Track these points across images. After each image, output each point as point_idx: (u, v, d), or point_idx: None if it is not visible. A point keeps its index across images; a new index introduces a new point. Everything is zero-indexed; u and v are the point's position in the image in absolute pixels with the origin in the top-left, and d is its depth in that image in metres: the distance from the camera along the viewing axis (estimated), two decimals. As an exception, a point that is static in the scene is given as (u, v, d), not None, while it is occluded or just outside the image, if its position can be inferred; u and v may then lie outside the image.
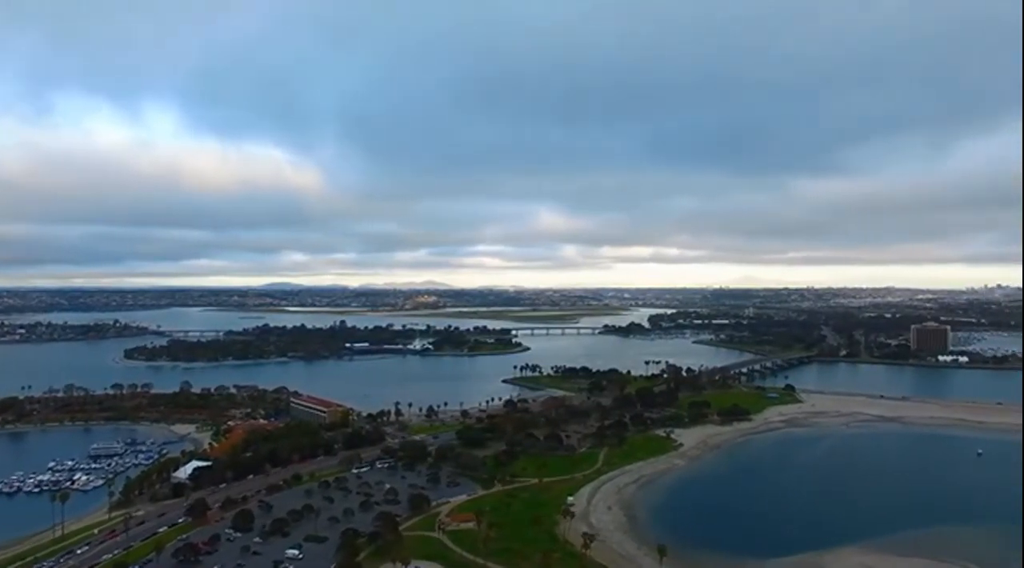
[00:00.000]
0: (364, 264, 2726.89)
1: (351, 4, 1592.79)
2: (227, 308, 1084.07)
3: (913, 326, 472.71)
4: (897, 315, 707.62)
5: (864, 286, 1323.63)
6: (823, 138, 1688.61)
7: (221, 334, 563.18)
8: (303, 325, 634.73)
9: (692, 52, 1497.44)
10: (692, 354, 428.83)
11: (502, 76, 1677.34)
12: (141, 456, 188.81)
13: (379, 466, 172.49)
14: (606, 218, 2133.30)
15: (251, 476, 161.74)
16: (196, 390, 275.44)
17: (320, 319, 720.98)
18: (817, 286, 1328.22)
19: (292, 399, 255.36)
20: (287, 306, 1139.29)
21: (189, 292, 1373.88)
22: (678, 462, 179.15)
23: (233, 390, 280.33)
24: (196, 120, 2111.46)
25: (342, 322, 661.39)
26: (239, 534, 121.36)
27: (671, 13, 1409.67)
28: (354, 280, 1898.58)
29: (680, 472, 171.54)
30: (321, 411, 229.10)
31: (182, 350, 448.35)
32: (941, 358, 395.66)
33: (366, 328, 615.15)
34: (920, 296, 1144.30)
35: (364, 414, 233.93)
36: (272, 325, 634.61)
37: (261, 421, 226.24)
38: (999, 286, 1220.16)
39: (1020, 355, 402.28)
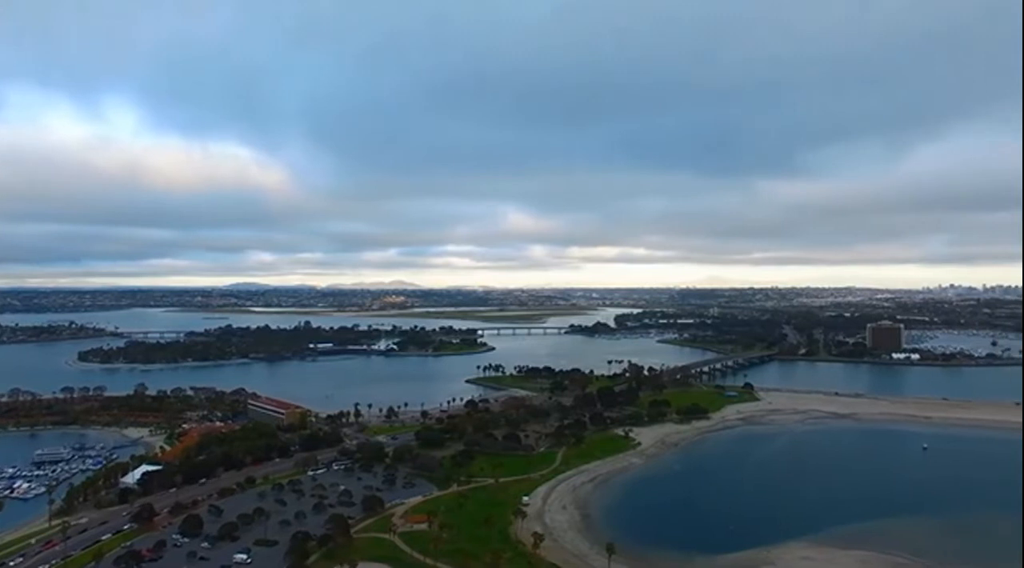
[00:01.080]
0: (332, 264, 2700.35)
1: (319, 3, 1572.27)
2: (190, 309, 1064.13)
3: (869, 325, 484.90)
4: (856, 314, 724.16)
5: (826, 286, 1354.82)
6: (787, 141, 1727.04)
7: (182, 335, 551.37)
8: (267, 326, 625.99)
9: (658, 54, 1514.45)
10: (656, 353, 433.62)
11: (470, 76, 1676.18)
12: (89, 461, 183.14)
13: (335, 468, 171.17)
14: (574, 218, 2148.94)
15: (203, 480, 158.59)
16: (152, 393, 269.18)
17: (285, 320, 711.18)
18: (781, 286, 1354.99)
19: (250, 401, 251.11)
20: (252, 306, 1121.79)
21: (151, 292, 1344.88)
22: (635, 461, 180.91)
23: (190, 392, 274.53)
24: (159, 117, 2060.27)
25: (307, 322, 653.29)
26: (186, 540, 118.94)
27: (638, 16, 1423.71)
28: (321, 280, 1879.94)
29: (637, 471, 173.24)
30: (279, 413, 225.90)
31: (140, 352, 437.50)
32: (895, 356, 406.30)
33: (331, 328, 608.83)
34: (879, 296, 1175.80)
35: (323, 415, 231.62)
36: (236, 326, 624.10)
37: (217, 423, 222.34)
38: (952, 286, 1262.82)
39: (967, 352, 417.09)
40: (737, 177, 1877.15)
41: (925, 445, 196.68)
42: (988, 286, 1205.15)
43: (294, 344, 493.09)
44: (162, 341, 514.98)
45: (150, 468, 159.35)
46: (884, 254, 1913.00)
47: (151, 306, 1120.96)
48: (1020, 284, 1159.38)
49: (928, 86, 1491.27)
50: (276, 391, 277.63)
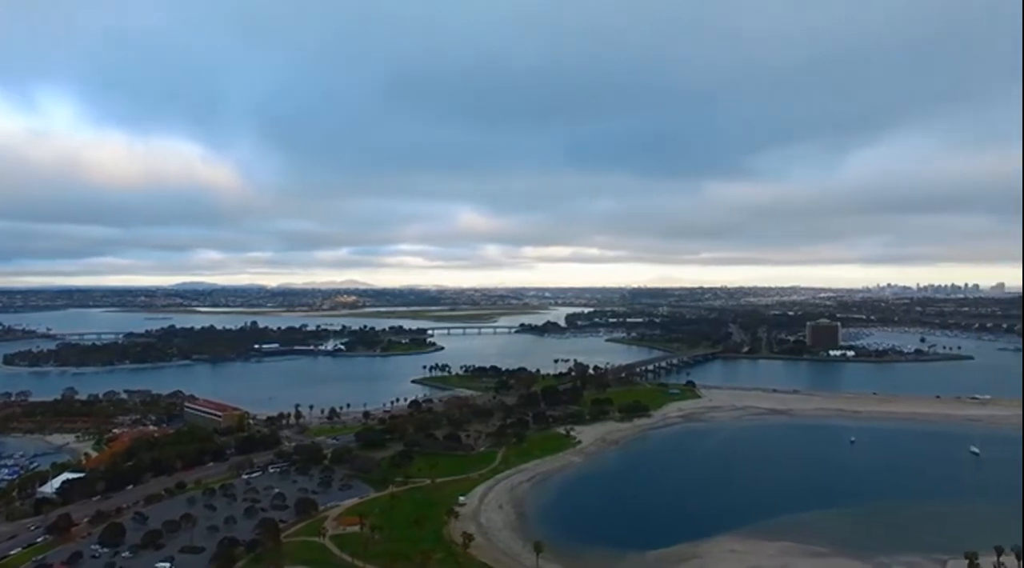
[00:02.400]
0: (282, 263, 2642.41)
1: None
2: (132, 309, 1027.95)
3: (808, 323, 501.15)
4: (799, 312, 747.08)
5: (773, 285, 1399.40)
6: (732, 144, 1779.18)
7: (120, 336, 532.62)
8: (212, 326, 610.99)
9: (609, 58, 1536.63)
10: (604, 352, 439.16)
11: (422, 76, 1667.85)
12: (4, 471, 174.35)
13: (271, 471, 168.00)
14: (527, 218, 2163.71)
15: (130, 487, 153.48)
16: (82, 397, 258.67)
17: (232, 320, 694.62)
18: (730, 285, 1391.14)
19: (187, 404, 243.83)
20: (198, 306, 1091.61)
21: (90, 292, 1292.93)
22: (575, 459, 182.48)
23: (124, 395, 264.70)
24: (98, 110, 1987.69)
25: (253, 323, 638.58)
26: (106, 550, 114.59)
27: (588, 20, 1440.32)
28: (272, 279, 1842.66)
29: (575, 469, 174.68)
30: (216, 415, 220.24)
31: (73, 354, 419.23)
32: (832, 353, 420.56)
33: (279, 329, 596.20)
34: (822, 295, 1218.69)
35: (263, 417, 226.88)
36: (179, 326, 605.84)
37: (151, 428, 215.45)
38: (889, 285, 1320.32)
39: (898, 349, 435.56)
40: (685, 179, 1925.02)
41: (852, 438, 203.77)
42: (921, 285, 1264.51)
43: (239, 345, 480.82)
44: (98, 343, 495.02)
45: (72, 476, 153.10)
46: (826, 255, 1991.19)
47: (90, 306, 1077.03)
48: (948, 284, 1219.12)
49: (865, 94, 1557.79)
50: (217, 393, 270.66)
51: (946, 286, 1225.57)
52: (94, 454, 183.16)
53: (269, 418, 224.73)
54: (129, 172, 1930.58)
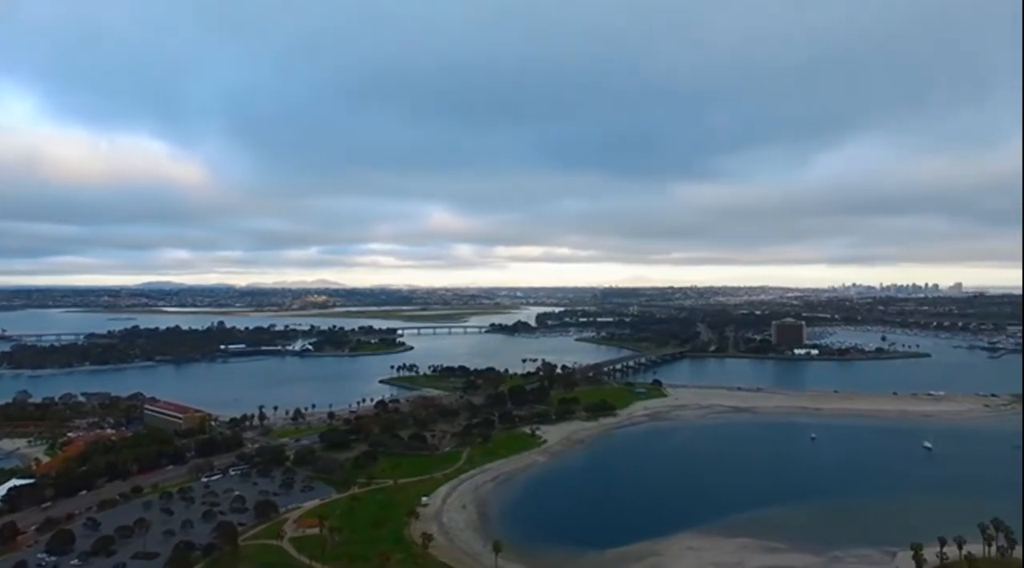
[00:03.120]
0: (252, 262, 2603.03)
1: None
2: (94, 309, 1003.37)
3: (774, 322, 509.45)
4: (767, 312, 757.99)
5: (742, 285, 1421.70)
6: (701, 146, 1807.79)
7: (80, 337, 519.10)
8: (177, 326, 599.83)
9: (580, 59, 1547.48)
10: (573, 351, 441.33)
11: (393, 75, 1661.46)
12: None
13: (232, 473, 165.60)
14: (499, 218, 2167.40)
15: (83, 492, 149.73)
16: (36, 400, 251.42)
17: (199, 320, 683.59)
18: (700, 285, 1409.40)
19: (146, 406, 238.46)
20: (164, 306, 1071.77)
21: (50, 292, 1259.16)
22: (540, 458, 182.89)
23: (81, 398, 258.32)
24: (60, 106, 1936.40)
25: (220, 323, 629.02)
26: (54, 558, 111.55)
27: (560, 20, 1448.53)
28: (242, 279, 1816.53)
29: (540, 468, 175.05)
30: (177, 417, 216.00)
31: (28, 356, 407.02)
32: (797, 351, 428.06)
33: (246, 329, 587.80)
34: (789, 294, 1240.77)
35: (226, 419, 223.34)
36: (143, 327, 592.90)
37: (108, 431, 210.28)
38: (854, 285, 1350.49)
39: (860, 347, 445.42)
40: (655, 179, 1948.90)
41: (813, 435, 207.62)
42: (884, 285, 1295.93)
43: (205, 345, 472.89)
44: (56, 344, 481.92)
45: (20, 482, 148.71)
46: (794, 255, 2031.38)
47: (49, 307, 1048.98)
48: (910, 284, 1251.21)
49: (827, 99, 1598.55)
50: (180, 395, 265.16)
51: (907, 286, 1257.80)
52: (46, 459, 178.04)
53: (232, 420, 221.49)
54: (93, 169, 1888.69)
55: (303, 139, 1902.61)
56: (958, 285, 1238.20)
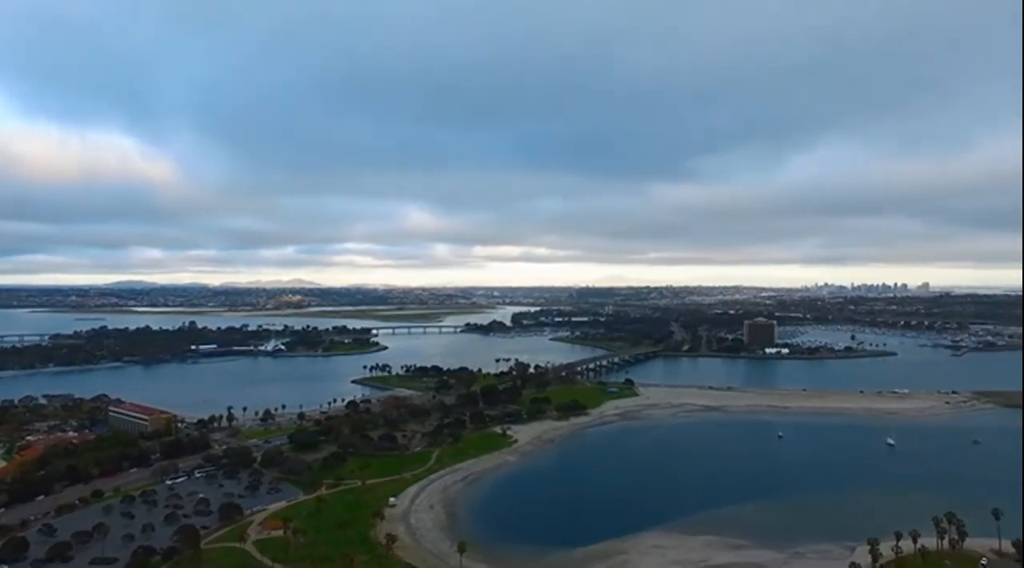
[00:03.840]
0: (227, 261, 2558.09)
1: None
2: (61, 309, 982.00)
3: (746, 321, 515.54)
4: (740, 311, 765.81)
5: (716, 284, 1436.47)
6: (676, 146, 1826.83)
7: (45, 338, 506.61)
8: (148, 326, 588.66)
9: (558, 60, 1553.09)
10: (548, 351, 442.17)
11: (368, 73, 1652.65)
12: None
13: (197, 475, 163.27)
14: (476, 218, 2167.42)
15: (40, 497, 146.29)
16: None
17: (170, 320, 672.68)
18: (675, 285, 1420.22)
19: (111, 408, 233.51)
20: (135, 306, 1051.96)
21: (16, 292, 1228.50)
22: (510, 458, 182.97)
23: (43, 400, 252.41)
24: (29, 102, 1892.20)
25: (192, 323, 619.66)
26: (5, 566, 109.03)
27: (536, 21, 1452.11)
28: (215, 278, 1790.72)
29: (509, 468, 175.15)
30: (142, 419, 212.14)
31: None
32: (768, 350, 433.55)
33: (218, 329, 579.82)
34: (763, 294, 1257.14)
35: (194, 420, 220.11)
36: (111, 327, 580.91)
37: (70, 434, 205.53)
38: (826, 284, 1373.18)
39: (829, 346, 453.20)
40: (631, 180, 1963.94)
41: (781, 434, 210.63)
42: (855, 285, 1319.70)
43: (175, 346, 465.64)
44: (19, 345, 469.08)
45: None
46: (767, 255, 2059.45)
47: (14, 306, 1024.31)
48: (880, 283, 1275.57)
49: (799, 102, 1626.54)
50: (148, 396, 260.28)
51: (878, 286, 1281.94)
52: (2, 464, 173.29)
53: (200, 421, 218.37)
54: (61, 166, 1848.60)
55: (278, 137, 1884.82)
56: (926, 285, 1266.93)
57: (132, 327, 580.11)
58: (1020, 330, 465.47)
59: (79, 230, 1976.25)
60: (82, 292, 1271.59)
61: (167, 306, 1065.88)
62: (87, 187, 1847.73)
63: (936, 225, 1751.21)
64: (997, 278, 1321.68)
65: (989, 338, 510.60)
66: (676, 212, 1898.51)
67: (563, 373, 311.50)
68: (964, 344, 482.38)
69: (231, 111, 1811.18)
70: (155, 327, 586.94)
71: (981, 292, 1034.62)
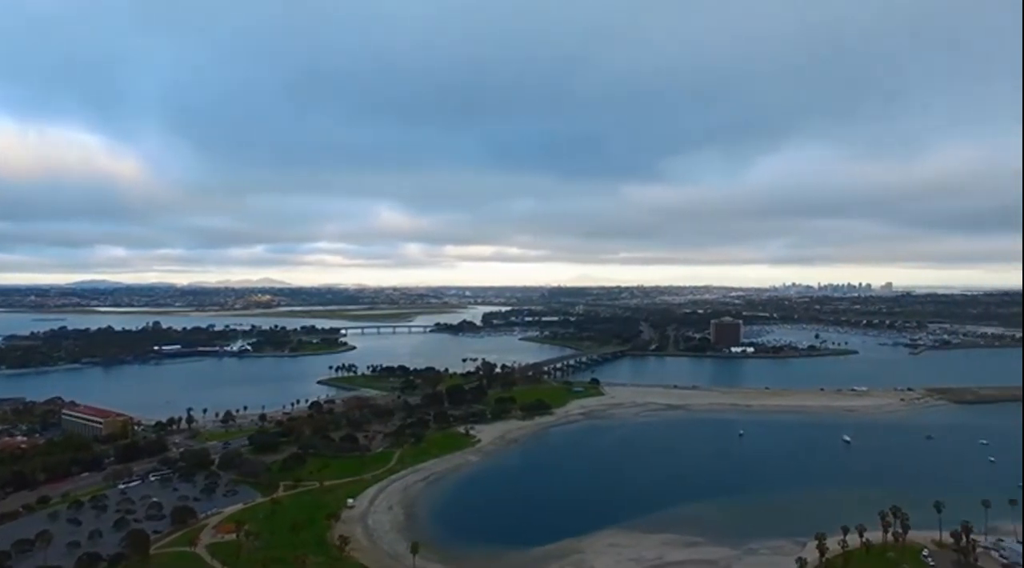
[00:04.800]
0: (195, 261, 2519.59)
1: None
2: (19, 309, 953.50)
3: (713, 321, 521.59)
4: (709, 311, 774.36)
5: (687, 284, 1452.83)
6: (647, 149, 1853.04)
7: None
8: (110, 327, 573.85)
9: (528, 62, 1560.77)
10: (516, 351, 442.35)
11: (338, 72, 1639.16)
12: None
13: (152, 479, 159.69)
14: (448, 217, 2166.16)
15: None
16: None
17: (134, 320, 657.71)
18: (646, 284, 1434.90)
19: (65, 411, 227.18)
20: (98, 306, 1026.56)
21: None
22: (472, 458, 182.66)
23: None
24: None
25: (156, 323, 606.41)
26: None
27: (512, 22, 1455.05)
28: (183, 278, 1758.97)
29: (471, 468, 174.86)
30: (97, 422, 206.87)
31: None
32: (734, 349, 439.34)
33: (184, 329, 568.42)
34: (733, 293, 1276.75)
35: (152, 423, 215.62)
36: (72, 327, 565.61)
37: (18, 438, 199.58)
38: (794, 284, 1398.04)
39: (794, 345, 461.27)
40: (602, 181, 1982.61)
41: (741, 432, 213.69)
42: (822, 285, 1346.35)
43: (138, 346, 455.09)
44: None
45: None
46: (737, 255, 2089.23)
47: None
48: (845, 283, 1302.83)
49: (764, 104, 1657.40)
50: (108, 398, 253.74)
51: (843, 285, 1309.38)
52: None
53: (158, 423, 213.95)
54: (21, 162, 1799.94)
55: (248, 135, 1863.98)
56: (889, 285, 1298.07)
57: (93, 327, 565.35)
58: (974, 328, 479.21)
59: (39, 228, 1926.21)
60: (42, 292, 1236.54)
61: (132, 306, 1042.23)
62: (48, 184, 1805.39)
63: (898, 227, 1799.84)
64: (955, 278, 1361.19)
65: (945, 336, 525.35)
66: (647, 212, 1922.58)
67: (530, 373, 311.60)
68: (922, 342, 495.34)
69: (200, 108, 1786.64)
70: (118, 327, 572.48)
71: (940, 292, 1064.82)
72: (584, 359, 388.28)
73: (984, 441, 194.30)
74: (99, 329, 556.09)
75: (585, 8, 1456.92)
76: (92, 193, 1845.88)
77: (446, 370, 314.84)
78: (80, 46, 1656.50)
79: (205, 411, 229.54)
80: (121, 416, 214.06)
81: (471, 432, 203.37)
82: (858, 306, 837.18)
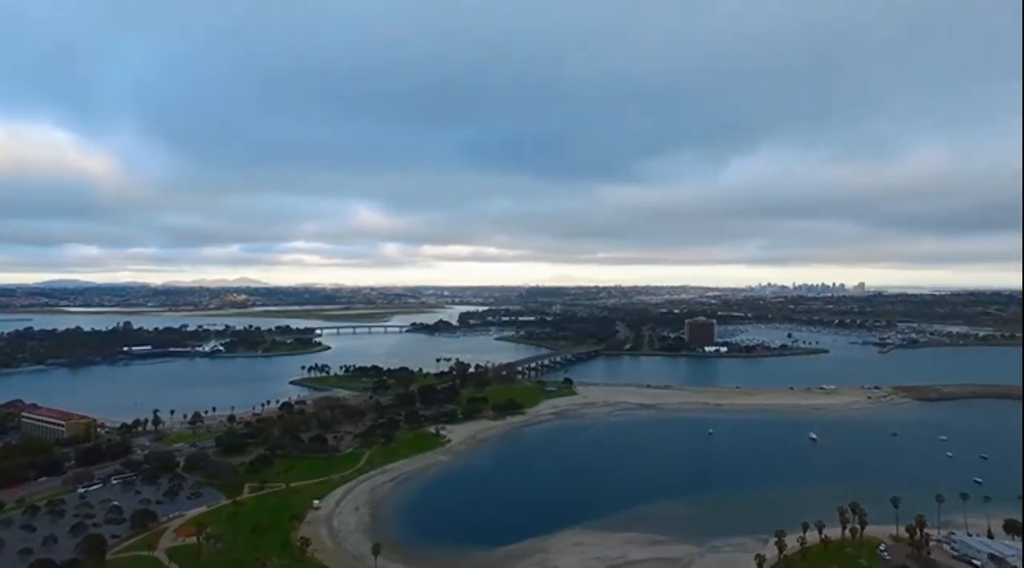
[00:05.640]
0: (169, 260, 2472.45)
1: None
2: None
3: (687, 320, 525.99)
4: (684, 311, 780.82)
5: (664, 284, 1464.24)
6: (623, 150, 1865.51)
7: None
8: (79, 327, 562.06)
9: (505, 63, 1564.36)
10: (492, 351, 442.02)
11: (314, 71, 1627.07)
12: None
13: (114, 482, 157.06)
14: (426, 217, 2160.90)
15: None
16: None
17: (105, 320, 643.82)
18: (624, 284, 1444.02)
19: (24, 414, 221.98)
20: (67, 306, 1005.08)
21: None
22: (442, 458, 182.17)
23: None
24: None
25: (127, 323, 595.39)
26: None
27: (489, 24, 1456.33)
28: (157, 277, 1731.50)
29: (441, 468, 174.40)
30: (59, 425, 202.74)
31: None
32: (707, 349, 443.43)
33: (155, 329, 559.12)
34: (709, 293, 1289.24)
35: (117, 425, 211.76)
36: (38, 328, 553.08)
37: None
38: (769, 284, 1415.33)
39: (766, 344, 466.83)
40: (579, 181, 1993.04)
41: (711, 430, 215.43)
42: (796, 285, 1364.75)
43: (107, 347, 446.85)
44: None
45: None
46: (714, 255, 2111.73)
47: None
48: (819, 283, 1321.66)
49: (738, 106, 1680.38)
50: (73, 400, 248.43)
51: (817, 285, 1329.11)
52: None
53: (123, 425, 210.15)
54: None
55: (223, 133, 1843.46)
56: (861, 285, 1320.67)
57: (61, 328, 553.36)
58: (941, 327, 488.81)
59: (5, 226, 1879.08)
60: (7, 292, 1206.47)
61: (103, 306, 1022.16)
62: (15, 181, 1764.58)
63: (871, 228, 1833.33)
64: (926, 278, 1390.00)
65: (913, 335, 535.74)
66: (624, 213, 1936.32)
67: (503, 372, 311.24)
68: (890, 341, 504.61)
69: (174, 106, 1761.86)
70: (87, 328, 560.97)
71: (910, 292, 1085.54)
72: (558, 359, 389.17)
73: (943, 437, 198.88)
74: (67, 329, 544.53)
75: (562, 10, 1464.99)
76: (63, 191, 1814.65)
77: (420, 370, 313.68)
78: (51, 41, 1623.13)
79: (173, 413, 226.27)
80: (84, 418, 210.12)
81: (442, 432, 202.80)
82: (831, 306, 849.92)
